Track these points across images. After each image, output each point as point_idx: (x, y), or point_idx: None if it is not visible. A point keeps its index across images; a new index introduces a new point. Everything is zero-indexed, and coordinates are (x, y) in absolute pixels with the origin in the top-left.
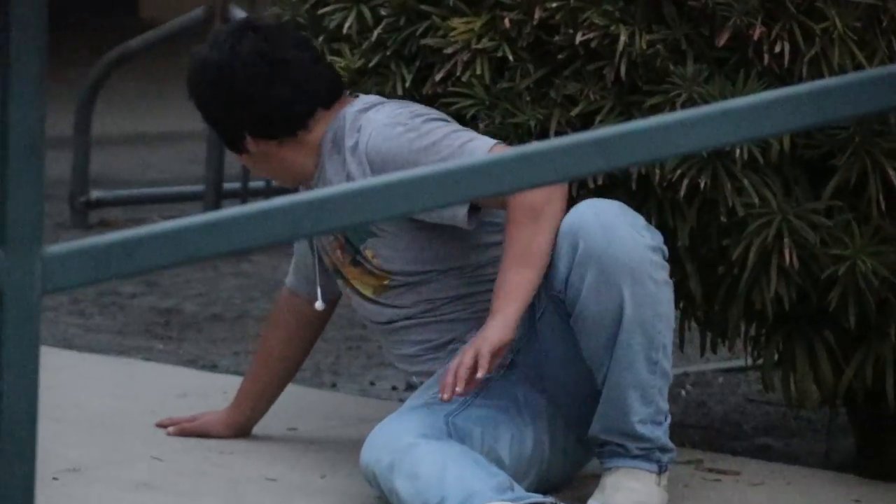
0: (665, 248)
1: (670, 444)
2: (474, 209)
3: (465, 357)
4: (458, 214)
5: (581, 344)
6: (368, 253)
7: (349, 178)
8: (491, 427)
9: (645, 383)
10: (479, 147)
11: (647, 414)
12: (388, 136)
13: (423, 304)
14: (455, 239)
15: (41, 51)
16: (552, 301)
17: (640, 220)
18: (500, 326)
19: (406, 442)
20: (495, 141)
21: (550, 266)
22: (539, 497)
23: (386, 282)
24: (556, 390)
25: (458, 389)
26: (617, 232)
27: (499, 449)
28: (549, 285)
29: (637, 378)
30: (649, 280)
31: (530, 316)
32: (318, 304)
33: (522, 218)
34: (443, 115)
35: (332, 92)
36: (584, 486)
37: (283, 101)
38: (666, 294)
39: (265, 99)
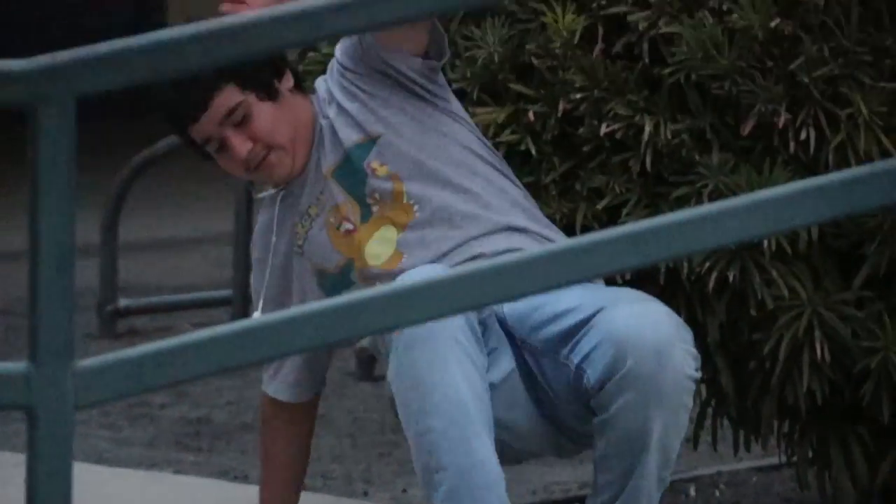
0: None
1: None
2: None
3: None
4: (414, 63)
5: (595, 440)
6: (374, 166)
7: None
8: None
9: (651, 499)
10: None
11: None
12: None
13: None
14: (456, 139)
15: (70, 163)
16: (572, 373)
17: (689, 337)
18: None
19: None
20: None
21: (582, 355)
22: None
23: (409, 201)
24: (550, 404)
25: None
26: (670, 361)
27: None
28: (576, 374)
29: (645, 496)
30: (683, 410)
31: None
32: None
33: None
34: None
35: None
36: None
37: None
38: (688, 415)
39: None
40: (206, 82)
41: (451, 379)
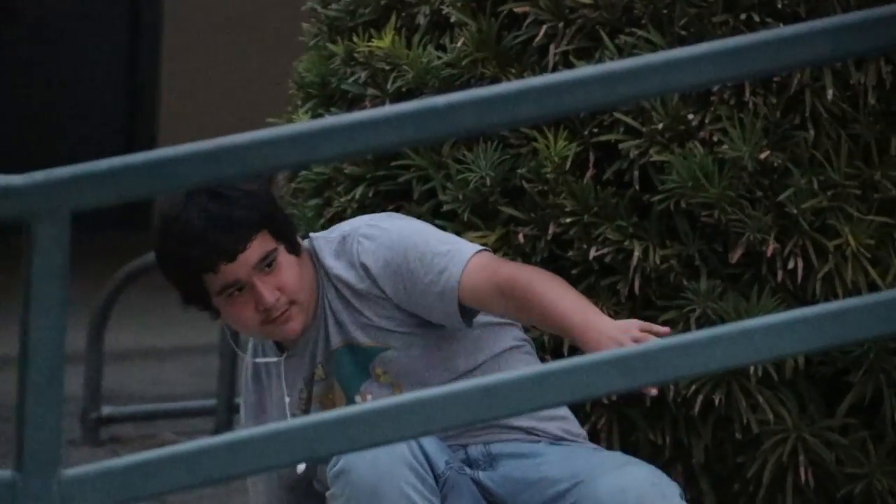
0: None
1: None
2: (467, 311)
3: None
4: (454, 322)
5: None
6: (378, 371)
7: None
8: None
9: None
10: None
11: None
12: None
13: None
14: (467, 340)
15: (63, 275)
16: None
17: (675, 495)
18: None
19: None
20: (474, 248)
21: None
22: None
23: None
24: None
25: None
26: None
27: None
28: None
29: None
30: None
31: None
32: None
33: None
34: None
35: None
36: None
37: None
38: None
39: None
40: (245, 224)
41: None
